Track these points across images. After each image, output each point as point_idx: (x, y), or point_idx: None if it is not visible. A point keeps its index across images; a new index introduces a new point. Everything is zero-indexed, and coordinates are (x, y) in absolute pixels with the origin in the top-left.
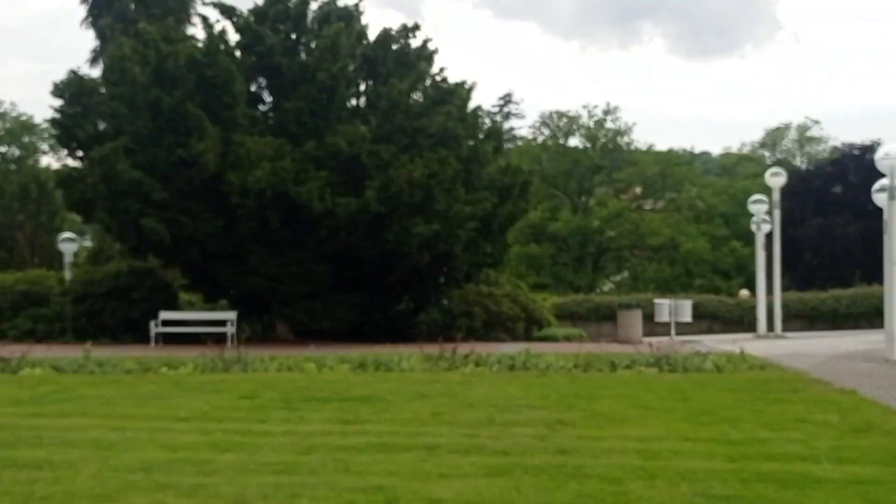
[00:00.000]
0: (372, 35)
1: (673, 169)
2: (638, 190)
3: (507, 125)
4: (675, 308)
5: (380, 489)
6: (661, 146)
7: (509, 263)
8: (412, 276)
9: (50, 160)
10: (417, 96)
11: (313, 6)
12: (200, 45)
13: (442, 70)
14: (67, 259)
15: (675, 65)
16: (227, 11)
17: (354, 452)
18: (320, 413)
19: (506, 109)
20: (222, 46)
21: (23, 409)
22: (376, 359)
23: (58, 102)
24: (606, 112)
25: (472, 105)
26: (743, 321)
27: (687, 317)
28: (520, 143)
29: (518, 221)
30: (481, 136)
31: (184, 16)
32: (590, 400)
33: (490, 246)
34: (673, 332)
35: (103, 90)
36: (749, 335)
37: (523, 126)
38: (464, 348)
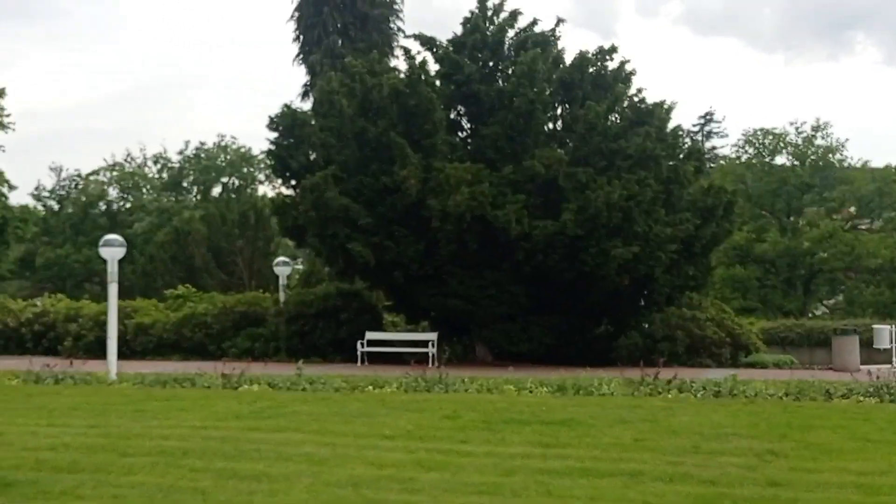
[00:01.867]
0: (568, 59)
1: (891, 186)
2: (852, 209)
3: (708, 144)
4: None
5: None
6: (878, 162)
7: (713, 286)
8: (611, 298)
9: (266, 189)
10: (615, 118)
11: (510, 34)
12: (402, 76)
13: (640, 91)
14: (282, 282)
15: (891, 76)
16: (428, 42)
17: (556, 476)
18: (520, 435)
19: (707, 128)
20: (423, 76)
21: (242, 424)
22: (576, 382)
23: (273, 135)
24: (816, 128)
25: (671, 125)
26: None
27: None
28: (722, 162)
29: (722, 243)
30: (682, 156)
31: (387, 49)
32: (803, 430)
33: (692, 268)
34: (895, 359)
35: (314, 122)
36: None
37: (726, 145)
38: (666, 373)
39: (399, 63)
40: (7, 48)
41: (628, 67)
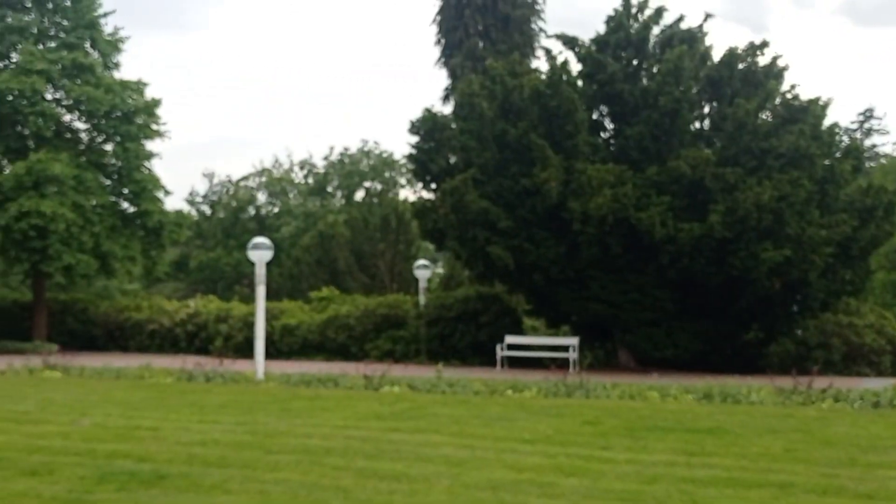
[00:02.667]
0: (716, 55)
1: None
2: None
3: (868, 142)
4: None
5: None
6: None
7: (872, 291)
8: (761, 303)
9: (407, 193)
10: (766, 116)
11: (655, 31)
12: (543, 76)
13: (793, 87)
14: (422, 284)
15: None
16: (570, 42)
17: (701, 485)
18: (664, 443)
19: (867, 125)
20: (564, 77)
21: (383, 424)
22: (723, 390)
23: (414, 139)
24: None
25: (827, 122)
26: None
27: None
28: (883, 161)
29: (882, 246)
30: (838, 154)
31: (528, 50)
32: None
33: (849, 272)
34: None
35: (454, 125)
36: None
37: (887, 143)
38: (820, 382)
39: (540, 64)
40: (161, 59)
41: (780, 63)
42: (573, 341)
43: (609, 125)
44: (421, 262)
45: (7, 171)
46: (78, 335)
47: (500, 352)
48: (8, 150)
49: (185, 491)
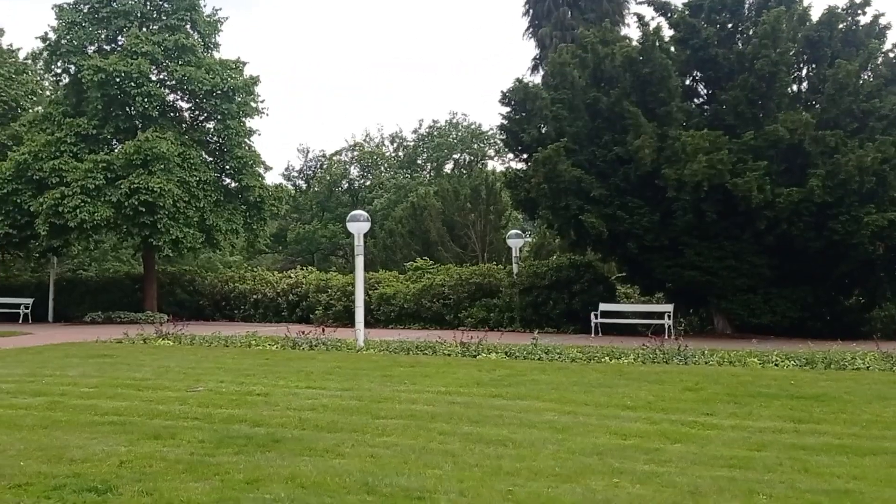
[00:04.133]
0: (815, 15)
1: None
2: None
3: None
4: None
5: (846, 493)
6: None
7: None
8: (863, 268)
9: (495, 164)
10: (867, 76)
11: None
12: (635, 43)
13: None
14: (514, 254)
15: None
16: (662, 8)
17: (812, 453)
18: (769, 409)
19: None
20: (657, 43)
21: (484, 391)
22: (826, 356)
23: (505, 110)
24: None
25: None
26: None
27: None
28: None
29: None
30: None
31: (618, 17)
32: None
33: None
34: None
35: (545, 95)
36: None
37: None
38: None
39: (631, 31)
40: (262, 39)
41: (882, 21)
42: (668, 308)
43: (703, 91)
44: (513, 231)
45: (117, 151)
46: (186, 305)
47: (595, 319)
48: (118, 131)
49: (300, 454)
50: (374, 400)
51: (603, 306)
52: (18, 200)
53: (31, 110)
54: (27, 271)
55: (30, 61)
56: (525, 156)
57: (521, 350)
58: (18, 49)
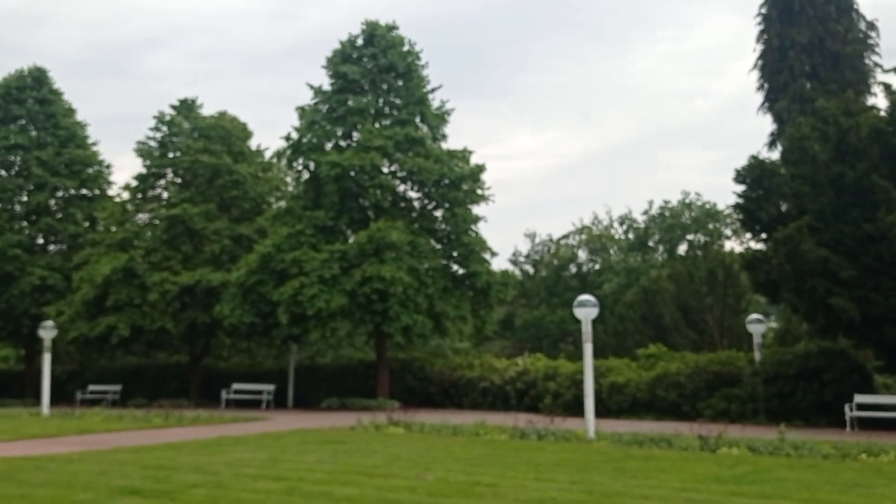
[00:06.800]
0: None
1: None
2: None
3: None
4: None
5: None
6: None
7: None
8: None
9: (733, 244)
10: None
11: None
12: (883, 113)
13: None
14: (756, 340)
15: None
16: None
17: None
18: None
19: None
20: None
21: (724, 488)
22: None
23: (740, 188)
24: None
25: None
26: None
27: None
28: None
29: None
30: None
31: (862, 87)
32: None
33: None
34: None
35: (783, 171)
36: None
37: None
38: None
39: (877, 101)
40: (488, 125)
41: None
42: None
43: None
44: (754, 316)
45: (351, 241)
46: (416, 392)
47: (849, 412)
48: (352, 221)
49: None
50: (605, 494)
51: (858, 398)
52: (262, 290)
53: (274, 205)
54: (270, 358)
55: (275, 160)
56: (764, 235)
57: (765, 445)
58: (266, 149)
